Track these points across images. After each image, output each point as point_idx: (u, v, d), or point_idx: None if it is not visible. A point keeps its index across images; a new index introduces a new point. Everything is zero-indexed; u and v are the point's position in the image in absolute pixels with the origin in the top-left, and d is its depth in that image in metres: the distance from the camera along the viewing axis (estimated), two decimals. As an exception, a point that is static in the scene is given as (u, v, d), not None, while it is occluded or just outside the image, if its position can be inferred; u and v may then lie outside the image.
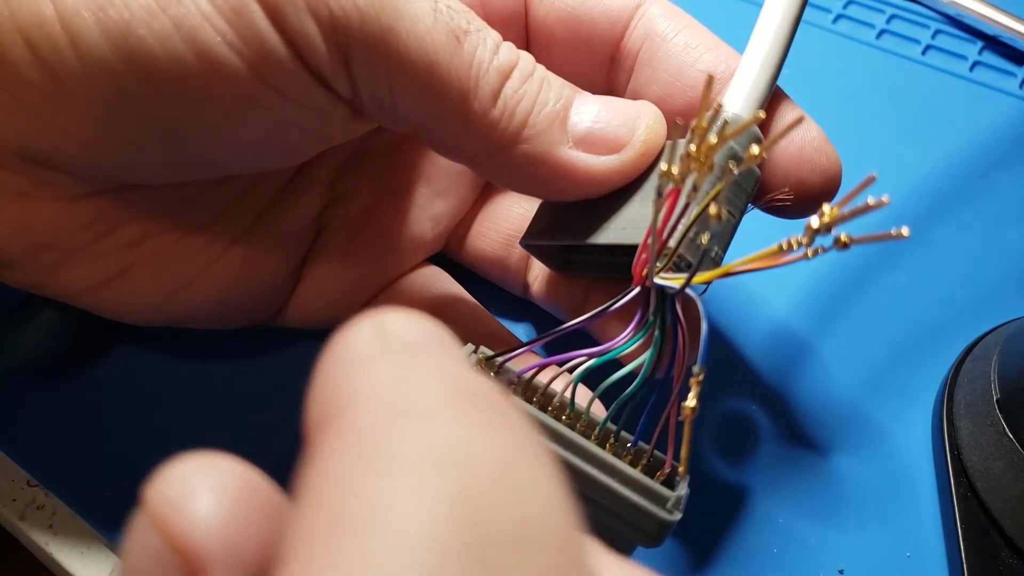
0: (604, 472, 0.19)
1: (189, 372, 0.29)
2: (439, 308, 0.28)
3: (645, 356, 0.20)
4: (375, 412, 0.11)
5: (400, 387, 0.11)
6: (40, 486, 0.27)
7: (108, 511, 0.26)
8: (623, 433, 0.21)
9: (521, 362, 0.22)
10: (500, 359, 0.21)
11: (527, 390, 0.21)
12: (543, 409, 0.21)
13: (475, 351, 0.21)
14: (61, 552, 0.26)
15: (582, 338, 0.24)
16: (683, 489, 0.19)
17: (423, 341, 0.12)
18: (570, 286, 0.27)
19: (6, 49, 0.18)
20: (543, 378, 0.21)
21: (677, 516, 0.19)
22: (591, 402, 0.21)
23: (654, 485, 0.19)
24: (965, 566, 0.24)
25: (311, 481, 0.10)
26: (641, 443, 0.21)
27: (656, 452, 0.20)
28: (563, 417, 0.21)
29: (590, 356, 0.21)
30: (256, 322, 0.27)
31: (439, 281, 0.29)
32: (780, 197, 0.22)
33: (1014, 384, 0.26)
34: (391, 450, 0.10)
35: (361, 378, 0.11)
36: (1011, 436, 0.25)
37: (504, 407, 0.11)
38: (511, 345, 0.22)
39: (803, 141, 0.22)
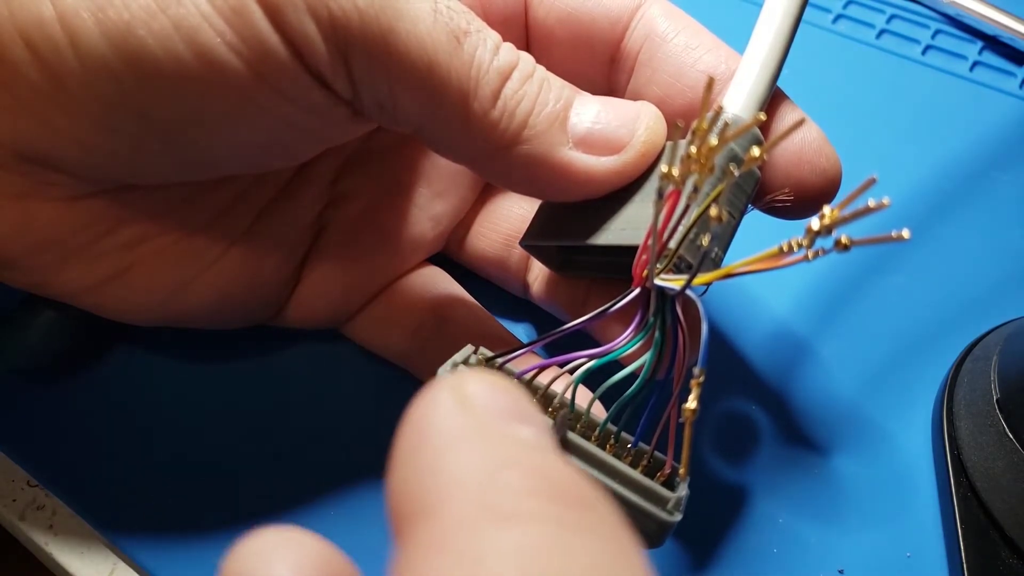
0: (604, 473, 0.19)
1: (189, 372, 0.29)
2: (439, 308, 0.28)
3: (645, 357, 0.20)
4: (468, 512, 0.10)
5: (493, 481, 0.11)
6: (40, 486, 0.27)
7: (108, 511, 0.26)
8: (623, 434, 0.21)
9: (521, 363, 0.22)
10: (500, 360, 0.21)
11: (527, 391, 0.21)
12: (543, 411, 0.21)
13: (475, 351, 0.21)
14: (61, 552, 0.26)
15: (582, 339, 0.24)
16: (683, 490, 0.19)
17: (506, 413, 0.12)
18: (570, 286, 0.27)
19: (6, 49, 0.18)
20: (543, 379, 0.21)
21: (677, 517, 0.19)
22: (591, 403, 0.21)
23: (654, 486, 0.19)
24: (965, 566, 0.24)
25: None
26: (641, 444, 0.21)
27: (656, 453, 0.20)
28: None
29: (590, 357, 0.21)
30: (256, 322, 0.27)
31: (439, 281, 0.29)
32: (780, 198, 0.22)
33: (1014, 384, 0.26)
34: (486, 560, 0.10)
35: (450, 465, 0.11)
36: (1011, 436, 0.25)
37: (597, 505, 0.11)
38: (511, 346, 0.22)
39: (803, 142, 0.22)
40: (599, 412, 0.21)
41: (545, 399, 0.21)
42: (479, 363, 0.21)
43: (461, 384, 0.12)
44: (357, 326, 0.28)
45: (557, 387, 0.21)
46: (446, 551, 0.10)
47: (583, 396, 0.21)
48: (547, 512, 0.11)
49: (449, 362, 0.21)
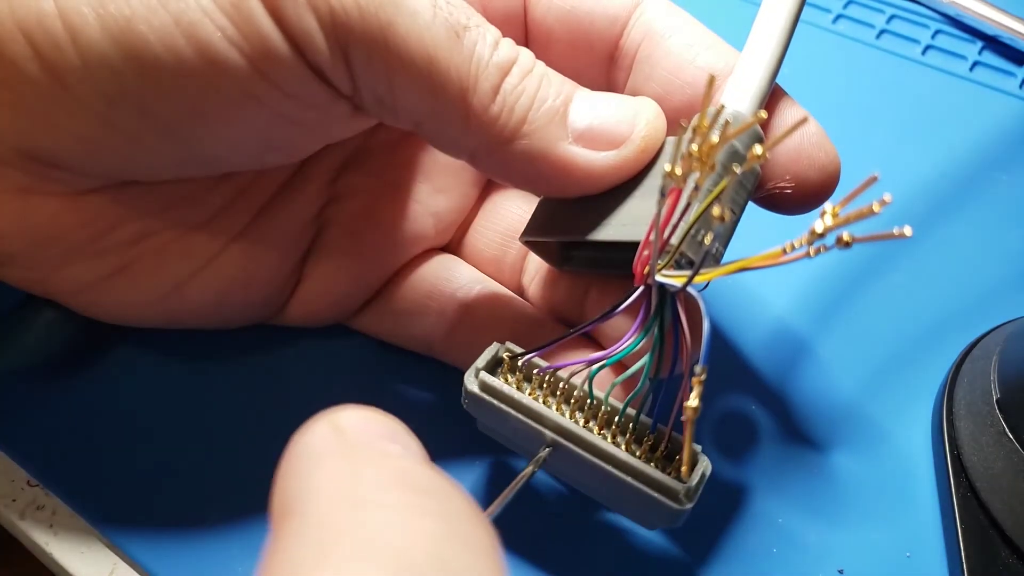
0: (622, 471, 0.20)
1: (189, 372, 0.29)
2: (460, 292, 0.27)
3: (646, 358, 0.20)
4: (328, 503, 0.12)
5: (350, 480, 0.12)
6: (40, 486, 0.27)
7: (108, 511, 0.26)
8: (643, 418, 0.21)
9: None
10: (524, 357, 0.22)
11: (550, 384, 0.22)
12: (567, 401, 0.22)
13: (503, 345, 0.22)
14: (61, 552, 0.26)
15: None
16: (694, 479, 0.20)
17: (376, 435, 0.14)
18: (566, 290, 0.27)
19: (6, 45, 0.18)
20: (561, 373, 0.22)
21: (689, 506, 0.20)
22: (606, 396, 0.21)
23: (667, 480, 0.20)
24: (965, 566, 0.24)
25: (269, 568, 0.11)
26: (660, 426, 0.21)
27: (674, 433, 0.21)
28: (584, 408, 0.22)
29: (592, 362, 0.21)
30: (257, 320, 0.27)
31: (453, 267, 0.28)
32: (780, 186, 0.22)
33: (1014, 384, 0.26)
34: (339, 538, 0.11)
35: (317, 472, 0.13)
36: (1011, 436, 0.25)
37: (448, 494, 0.13)
38: (536, 322, 0.22)
39: (802, 137, 0.22)
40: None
41: (565, 392, 0.22)
42: (504, 360, 0.22)
43: (336, 415, 0.14)
44: (376, 319, 0.28)
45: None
46: (305, 536, 0.12)
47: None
48: (397, 499, 0.12)
49: (473, 366, 0.22)
